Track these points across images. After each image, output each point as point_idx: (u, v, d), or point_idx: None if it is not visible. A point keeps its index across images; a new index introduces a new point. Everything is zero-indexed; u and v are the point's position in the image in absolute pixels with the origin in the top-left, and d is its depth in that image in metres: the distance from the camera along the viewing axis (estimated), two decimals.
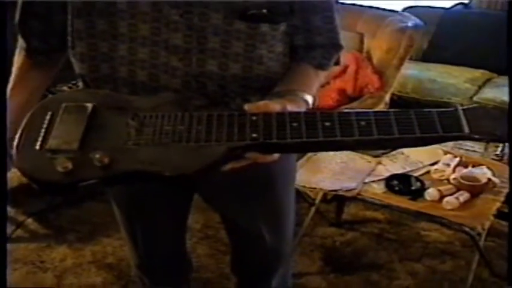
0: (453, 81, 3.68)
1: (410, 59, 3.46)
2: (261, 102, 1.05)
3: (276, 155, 1.04)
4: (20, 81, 1.27)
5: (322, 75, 1.28)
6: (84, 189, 0.99)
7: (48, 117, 1.07)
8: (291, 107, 1.05)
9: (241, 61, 1.14)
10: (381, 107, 3.26)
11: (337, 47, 1.29)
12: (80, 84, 1.26)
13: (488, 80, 3.77)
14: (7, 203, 1.12)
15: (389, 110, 0.97)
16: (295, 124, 0.97)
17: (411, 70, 3.69)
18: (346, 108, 3.08)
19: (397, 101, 3.52)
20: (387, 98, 3.31)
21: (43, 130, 1.05)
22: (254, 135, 0.97)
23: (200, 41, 1.12)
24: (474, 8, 4.27)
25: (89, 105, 1.08)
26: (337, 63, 1.32)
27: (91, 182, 0.98)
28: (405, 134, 0.95)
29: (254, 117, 1.00)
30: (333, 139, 0.96)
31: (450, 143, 2.59)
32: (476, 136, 0.94)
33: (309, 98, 1.16)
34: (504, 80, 3.73)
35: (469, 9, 4.27)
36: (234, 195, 1.37)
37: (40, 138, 1.03)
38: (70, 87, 2.79)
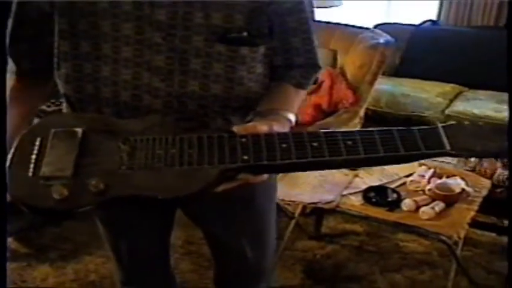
0: (425, 95, 3.74)
1: (384, 74, 3.50)
2: (249, 124, 1.07)
3: (266, 175, 1.06)
4: (10, 105, 1.27)
5: (302, 94, 1.30)
6: (79, 215, 1.00)
7: (37, 143, 1.07)
8: (277, 127, 1.07)
9: (222, 82, 1.16)
10: (356, 122, 3.29)
11: (316, 67, 1.32)
12: (64, 104, 1.27)
13: (458, 94, 3.84)
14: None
15: (373, 129, 1.00)
16: (284, 145, 1.00)
17: (384, 85, 3.74)
18: (322, 124, 3.10)
19: (371, 116, 3.56)
20: (362, 112, 3.33)
21: (34, 156, 1.04)
22: (245, 157, 0.99)
23: (182, 63, 1.14)
24: (442, 25, 4.36)
25: (79, 130, 1.08)
26: (315, 82, 1.35)
27: (87, 208, 0.99)
28: (390, 152, 0.98)
29: (243, 139, 1.02)
30: (322, 159, 0.98)
31: None
32: (457, 152, 0.97)
33: (292, 117, 1.18)
34: (474, 93, 3.82)
35: (437, 26, 4.36)
36: (216, 212, 1.38)
37: (32, 165, 1.03)
38: (49, 106, 2.77)
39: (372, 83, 3.33)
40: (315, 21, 1.30)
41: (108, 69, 1.16)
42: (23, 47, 1.26)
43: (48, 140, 1.07)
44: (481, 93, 3.80)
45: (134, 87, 1.16)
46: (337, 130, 1.00)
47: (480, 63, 3.89)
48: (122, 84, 1.16)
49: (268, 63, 1.24)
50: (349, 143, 0.98)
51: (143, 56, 1.14)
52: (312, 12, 1.26)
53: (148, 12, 1.11)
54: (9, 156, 1.05)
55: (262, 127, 1.05)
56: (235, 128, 1.05)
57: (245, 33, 1.14)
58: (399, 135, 0.99)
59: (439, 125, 1.00)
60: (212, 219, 1.42)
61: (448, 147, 0.98)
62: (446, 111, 3.59)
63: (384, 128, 0.99)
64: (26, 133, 1.11)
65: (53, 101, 2.71)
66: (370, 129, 0.99)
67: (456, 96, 3.80)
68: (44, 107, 2.77)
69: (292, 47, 1.25)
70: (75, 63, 1.18)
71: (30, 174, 1.02)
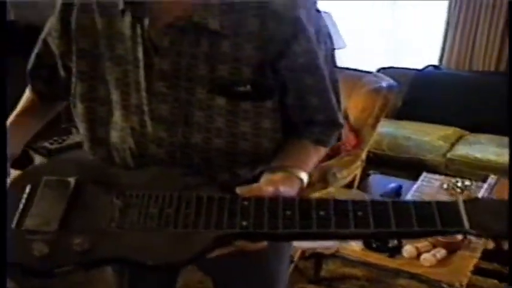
0: (427, 138, 3.63)
1: (386, 117, 3.43)
2: (254, 186, 0.98)
3: (265, 243, 0.94)
4: (19, 113, 1.27)
5: (322, 151, 1.20)
6: (60, 275, 0.89)
7: (27, 190, 0.99)
8: (283, 188, 0.98)
9: (224, 136, 1.08)
10: (358, 164, 3.23)
11: (337, 125, 1.21)
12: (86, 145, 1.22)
13: (460, 137, 3.73)
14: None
15: (387, 200, 0.87)
16: (288, 212, 0.88)
17: (386, 128, 3.64)
18: (324, 166, 2.99)
19: (373, 158, 3.46)
20: (363, 155, 3.27)
21: (21, 206, 0.97)
22: (244, 223, 0.88)
23: (186, 114, 1.07)
24: (444, 69, 4.29)
25: (72, 181, 1.00)
26: (339, 139, 1.25)
27: (68, 268, 0.89)
28: (402, 227, 0.85)
29: (246, 202, 0.91)
30: (327, 231, 0.87)
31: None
32: (476, 232, 0.84)
33: (304, 175, 1.08)
34: (475, 137, 3.72)
35: (439, 70, 4.29)
36: (226, 265, 1.26)
37: (17, 215, 0.95)
38: (51, 143, 2.61)
39: (374, 126, 3.28)
40: (335, 67, 1.20)
41: (118, 114, 1.11)
42: (43, 73, 1.24)
43: (38, 188, 0.99)
44: (482, 136, 3.70)
45: (140, 135, 1.10)
46: (348, 200, 0.88)
47: (480, 107, 3.81)
48: (128, 131, 1.10)
49: (279, 118, 1.14)
50: (360, 213, 0.86)
51: (149, 104, 1.07)
52: (333, 57, 1.16)
53: (155, 60, 1.05)
54: None
55: (268, 189, 0.95)
56: (238, 190, 0.95)
57: (248, 87, 1.05)
58: (415, 209, 0.86)
59: (460, 199, 0.87)
60: (221, 271, 1.31)
61: (467, 225, 0.84)
62: (448, 155, 3.49)
63: (400, 200, 0.87)
64: (18, 177, 1.04)
65: (55, 138, 2.60)
66: (384, 200, 0.87)
67: (457, 139, 3.70)
68: (46, 144, 2.62)
69: (310, 104, 1.14)
70: (90, 106, 1.14)
71: (13, 225, 0.94)
